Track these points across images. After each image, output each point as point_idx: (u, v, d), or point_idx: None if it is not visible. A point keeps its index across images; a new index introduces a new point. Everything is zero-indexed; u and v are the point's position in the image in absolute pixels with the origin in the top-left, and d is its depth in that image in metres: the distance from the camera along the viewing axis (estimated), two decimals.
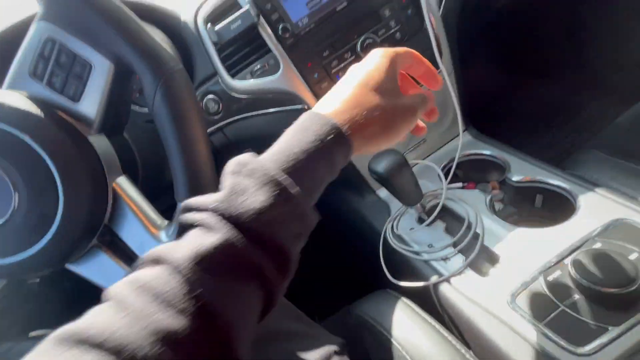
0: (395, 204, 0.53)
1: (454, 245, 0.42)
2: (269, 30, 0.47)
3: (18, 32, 0.36)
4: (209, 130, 0.54)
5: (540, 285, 0.34)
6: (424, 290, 0.42)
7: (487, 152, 0.54)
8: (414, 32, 0.52)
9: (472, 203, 0.46)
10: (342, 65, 0.51)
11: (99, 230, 0.28)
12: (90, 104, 0.27)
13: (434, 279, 0.40)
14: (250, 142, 0.56)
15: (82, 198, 0.25)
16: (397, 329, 0.37)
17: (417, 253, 0.44)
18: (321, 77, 0.51)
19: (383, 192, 0.58)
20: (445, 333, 0.36)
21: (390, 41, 0.51)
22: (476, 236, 0.41)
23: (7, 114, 0.24)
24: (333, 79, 0.51)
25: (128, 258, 0.30)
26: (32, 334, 0.38)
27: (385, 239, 0.50)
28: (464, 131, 0.55)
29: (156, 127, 0.27)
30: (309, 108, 0.52)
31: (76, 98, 0.27)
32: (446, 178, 0.49)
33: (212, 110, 0.53)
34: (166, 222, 0.30)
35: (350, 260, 0.75)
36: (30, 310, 0.42)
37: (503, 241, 0.40)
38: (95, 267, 0.29)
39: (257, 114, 0.55)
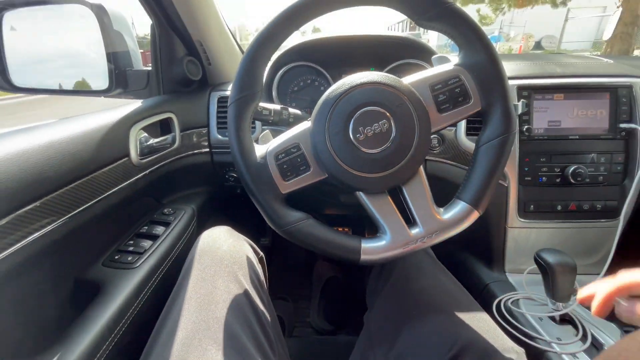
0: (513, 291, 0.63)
1: (584, 351, 0.51)
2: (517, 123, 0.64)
3: None
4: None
5: None
6: None
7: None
8: (614, 183, 0.64)
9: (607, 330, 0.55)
10: (548, 173, 0.65)
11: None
12: (446, 119, 0.43)
13: None
14: (437, 180, 0.72)
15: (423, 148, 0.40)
16: None
17: (547, 342, 0.54)
18: (529, 173, 0.65)
19: (514, 278, 0.69)
20: None
21: (591, 178, 0.64)
22: None
23: (410, 95, 0.40)
24: (536, 179, 0.65)
25: (405, 216, 0.44)
26: None
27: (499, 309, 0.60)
28: (604, 274, 0.65)
29: (474, 154, 0.42)
30: (507, 186, 0.66)
31: (441, 110, 0.42)
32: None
33: (432, 145, 0.70)
34: (441, 209, 0.43)
35: None
36: None
37: None
38: (379, 204, 0.42)
39: (457, 166, 0.71)
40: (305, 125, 0.42)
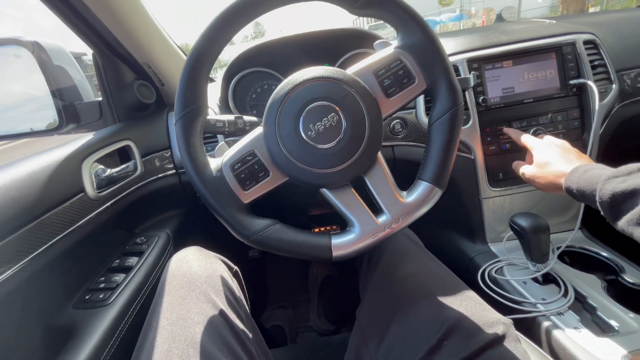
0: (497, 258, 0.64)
1: (569, 307, 0.52)
2: (472, 95, 0.64)
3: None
4: (387, 144, 0.71)
5: None
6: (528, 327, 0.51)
7: (604, 254, 0.63)
8: (574, 138, 0.66)
9: (589, 283, 0.56)
10: (511, 139, 0.65)
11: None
12: (395, 103, 0.43)
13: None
14: (407, 164, 0.72)
15: (376, 135, 0.40)
16: None
17: (532, 304, 0.54)
18: (492, 142, 0.66)
19: (495, 247, 0.70)
20: None
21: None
22: (592, 308, 0.51)
23: (355, 85, 0.39)
24: (500, 147, 0.66)
25: (371, 206, 0.43)
26: None
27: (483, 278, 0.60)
28: (578, 229, 0.66)
29: (428, 133, 0.43)
30: (473, 158, 0.67)
31: (389, 94, 0.42)
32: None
33: (396, 130, 0.70)
34: (404, 192, 0.43)
35: None
36: None
37: (616, 318, 0.49)
38: (343, 198, 0.42)
39: (421, 146, 0.71)
40: (258, 131, 0.41)
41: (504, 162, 0.67)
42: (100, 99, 0.74)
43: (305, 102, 0.39)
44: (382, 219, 0.41)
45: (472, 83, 0.61)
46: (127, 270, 0.57)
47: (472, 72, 0.63)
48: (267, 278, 1.30)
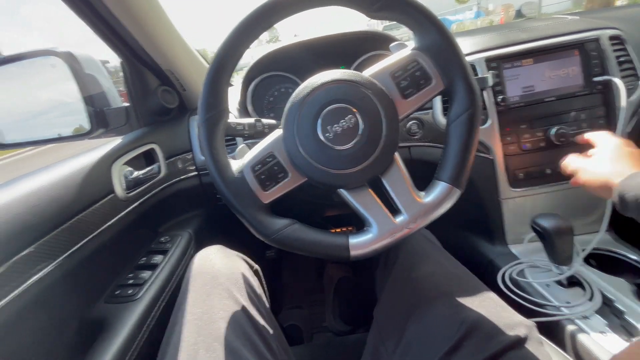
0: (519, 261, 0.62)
1: (596, 311, 0.50)
2: (491, 95, 0.64)
3: None
4: (403, 144, 0.71)
5: None
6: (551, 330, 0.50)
7: (633, 257, 0.61)
8: None
9: (616, 286, 0.54)
10: (531, 139, 0.64)
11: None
12: (412, 104, 0.43)
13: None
14: (424, 165, 0.72)
15: (393, 136, 0.40)
16: None
17: (556, 307, 0.53)
18: (512, 141, 0.65)
19: (516, 248, 0.69)
20: None
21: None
22: (620, 312, 0.49)
23: (372, 86, 0.40)
24: (520, 147, 0.65)
25: (389, 206, 0.44)
26: None
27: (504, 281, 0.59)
28: (605, 230, 0.64)
29: (446, 133, 0.43)
30: (492, 159, 0.66)
31: (406, 95, 0.43)
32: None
33: (412, 131, 0.70)
34: (422, 193, 0.43)
35: None
36: None
37: None
38: (361, 198, 0.43)
39: (439, 147, 0.71)
40: (278, 133, 0.43)
41: (525, 162, 0.65)
42: (127, 104, 0.78)
43: (323, 104, 0.40)
44: (399, 219, 0.41)
45: (490, 82, 0.61)
46: (153, 267, 0.60)
47: (490, 71, 0.63)
48: (283, 278, 1.32)
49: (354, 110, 0.40)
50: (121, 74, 0.79)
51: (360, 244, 0.41)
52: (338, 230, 1.28)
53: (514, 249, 0.69)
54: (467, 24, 11.93)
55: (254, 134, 0.54)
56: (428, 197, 0.42)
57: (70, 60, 0.68)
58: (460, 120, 0.40)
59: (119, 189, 0.57)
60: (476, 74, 0.65)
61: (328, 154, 0.40)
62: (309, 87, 0.41)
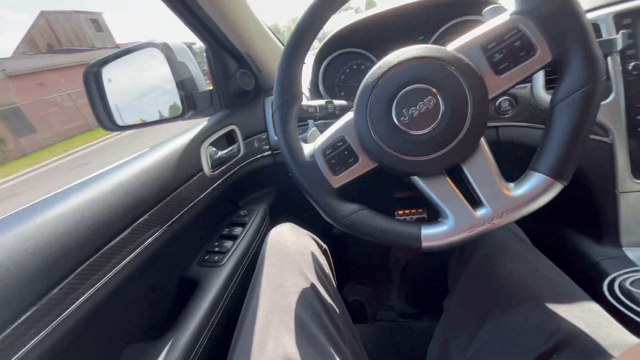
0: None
1: None
2: (618, 61, 0.50)
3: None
4: (491, 124, 0.62)
5: None
6: None
7: None
8: None
9: None
10: None
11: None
12: (506, 80, 0.36)
13: None
14: (515, 148, 0.62)
15: (480, 119, 0.35)
16: None
17: None
18: None
19: (634, 253, 0.56)
20: None
21: None
22: None
23: (457, 62, 0.35)
24: None
25: (468, 196, 0.39)
26: None
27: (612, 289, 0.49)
28: None
29: (550, 114, 0.35)
30: (611, 142, 0.54)
31: (499, 71, 0.36)
32: None
33: (503, 108, 0.61)
34: (512, 184, 0.38)
35: None
36: None
37: None
38: (437, 187, 0.39)
39: (537, 127, 0.60)
40: (349, 116, 0.42)
41: None
42: (211, 88, 0.85)
43: (399, 85, 0.37)
44: (481, 212, 0.37)
45: (619, 46, 0.48)
46: (234, 238, 0.67)
47: (620, 31, 0.49)
48: (349, 254, 1.35)
49: (434, 90, 0.36)
50: (204, 54, 0.86)
51: (433, 235, 0.39)
52: (407, 211, 1.23)
53: (631, 253, 0.57)
54: None
55: (325, 116, 0.53)
56: (519, 190, 0.36)
57: (166, 50, 0.76)
58: (572, 98, 0.33)
59: (206, 167, 0.64)
60: (599, 36, 0.51)
61: (403, 139, 0.37)
62: (384, 66, 0.38)
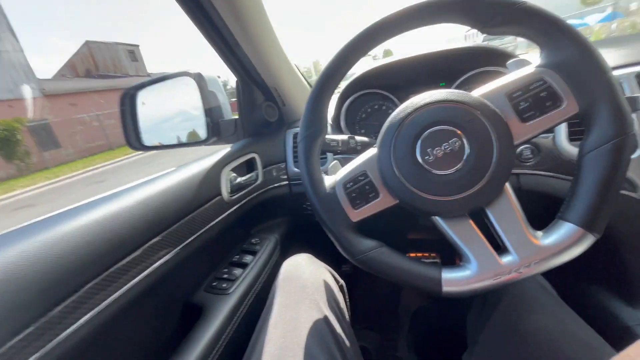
0: None
1: None
2: None
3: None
4: (514, 171, 0.62)
5: None
6: None
7: None
8: None
9: None
10: None
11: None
12: (532, 129, 0.36)
13: None
14: (536, 197, 0.61)
15: (506, 163, 0.35)
16: None
17: None
18: None
19: None
20: None
21: None
22: None
23: (483, 108, 0.36)
24: None
25: (492, 240, 0.38)
26: None
27: None
28: None
29: (578, 164, 0.35)
30: (638, 198, 0.52)
31: (524, 119, 0.36)
32: None
33: (525, 156, 0.61)
34: (540, 233, 0.36)
35: None
36: None
37: None
38: (459, 229, 0.38)
39: (559, 177, 0.59)
40: (372, 152, 0.42)
41: None
42: (236, 117, 0.89)
43: (425, 125, 0.38)
44: (506, 259, 0.36)
45: None
46: (244, 266, 0.66)
47: None
48: (356, 296, 1.29)
49: (459, 132, 0.36)
50: (228, 87, 0.91)
51: (455, 280, 0.37)
52: (419, 255, 1.19)
53: None
54: (597, 27, 9.99)
55: (347, 151, 0.54)
56: (548, 239, 0.35)
57: (199, 79, 0.81)
58: (602, 150, 0.33)
59: (225, 192, 0.65)
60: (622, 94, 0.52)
61: (426, 178, 0.37)
62: (411, 106, 0.39)
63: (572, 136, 0.56)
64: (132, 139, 0.81)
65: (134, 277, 0.43)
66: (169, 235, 0.49)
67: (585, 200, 0.33)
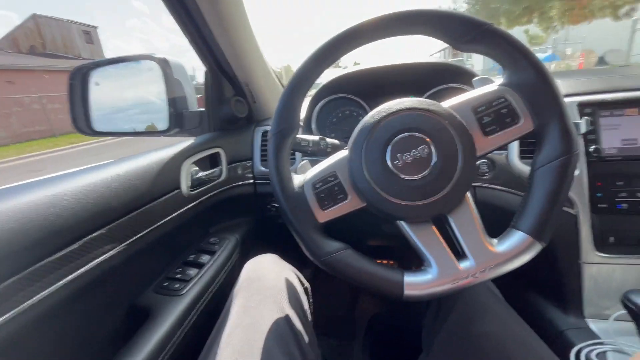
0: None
1: None
2: (582, 143, 0.57)
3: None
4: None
5: None
6: None
7: None
8: None
9: None
10: (629, 199, 0.55)
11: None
12: (493, 142, 0.39)
13: None
14: (489, 209, 0.65)
15: (468, 173, 0.37)
16: None
17: None
18: (604, 199, 0.56)
19: (597, 325, 0.58)
20: None
21: None
22: None
23: (451, 119, 0.38)
24: (613, 206, 0.56)
25: (451, 246, 0.39)
26: None
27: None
28: None
29: (530, 179, 0.38)
30: (575, 214, 0.58)
31: (487, 132, 0.39)
32: None
33: (482, 170, 0.65)
34: (495, 240, 0.39)
35: None
36: None
37: None
38: (422, 234, 0.39)
39: (510, 192, 0.64)
40: (343, 154, 0.42)
41: (618, 224, 0.56)
42: (202, 109, 0.84)
43: (396, 130, 0.39)
44: (465, 264, 0.37)
45: (583, 129, 0.54)
46: (200, 266, 0.61)
47: (583, 118, 0.56)
48: (315, 301, 1.28)
49: (428, 140, 0.38)
50: (194, 83, 0.87)
51: (416, 283, 0.38)
52: (378, 261, 1.22)
53: (594, 324, 0.58)
54: None
55: (317, 152, 0.54)
56: (502, 246, 0.37)
57: (164, 65, 0.76)
58: (551, 166, 0.36)
59: (185, 186, 0.61)
60: None
61: (394, 182, 0.38)
62: (384, 111, 0.40)
63: (523, 154, 0.61)
64: (80, 120, 0.73)
65: (69, 274, 0.38)
66: (116, 228, 0.44)
67: (535, 212, 0.36)
